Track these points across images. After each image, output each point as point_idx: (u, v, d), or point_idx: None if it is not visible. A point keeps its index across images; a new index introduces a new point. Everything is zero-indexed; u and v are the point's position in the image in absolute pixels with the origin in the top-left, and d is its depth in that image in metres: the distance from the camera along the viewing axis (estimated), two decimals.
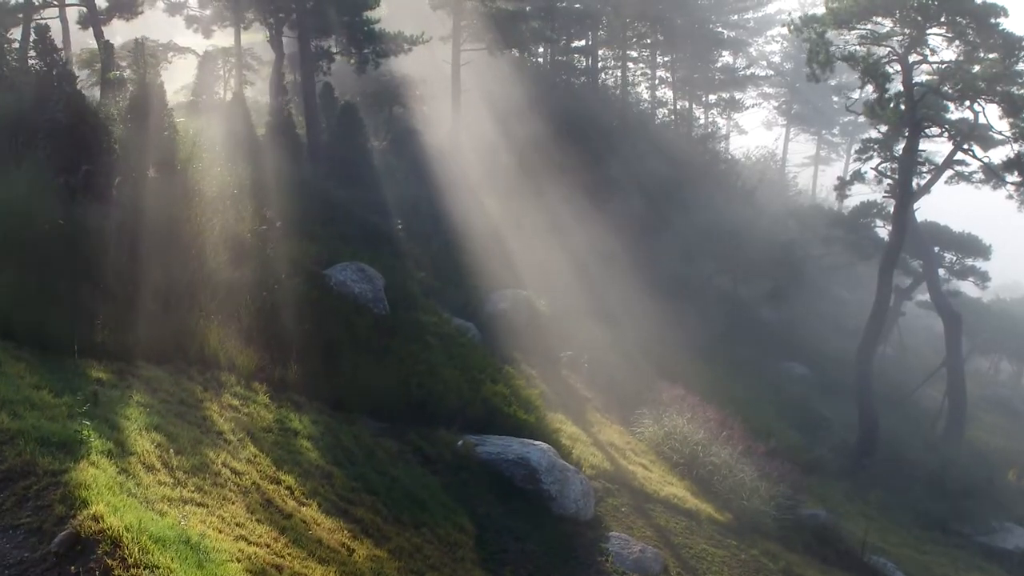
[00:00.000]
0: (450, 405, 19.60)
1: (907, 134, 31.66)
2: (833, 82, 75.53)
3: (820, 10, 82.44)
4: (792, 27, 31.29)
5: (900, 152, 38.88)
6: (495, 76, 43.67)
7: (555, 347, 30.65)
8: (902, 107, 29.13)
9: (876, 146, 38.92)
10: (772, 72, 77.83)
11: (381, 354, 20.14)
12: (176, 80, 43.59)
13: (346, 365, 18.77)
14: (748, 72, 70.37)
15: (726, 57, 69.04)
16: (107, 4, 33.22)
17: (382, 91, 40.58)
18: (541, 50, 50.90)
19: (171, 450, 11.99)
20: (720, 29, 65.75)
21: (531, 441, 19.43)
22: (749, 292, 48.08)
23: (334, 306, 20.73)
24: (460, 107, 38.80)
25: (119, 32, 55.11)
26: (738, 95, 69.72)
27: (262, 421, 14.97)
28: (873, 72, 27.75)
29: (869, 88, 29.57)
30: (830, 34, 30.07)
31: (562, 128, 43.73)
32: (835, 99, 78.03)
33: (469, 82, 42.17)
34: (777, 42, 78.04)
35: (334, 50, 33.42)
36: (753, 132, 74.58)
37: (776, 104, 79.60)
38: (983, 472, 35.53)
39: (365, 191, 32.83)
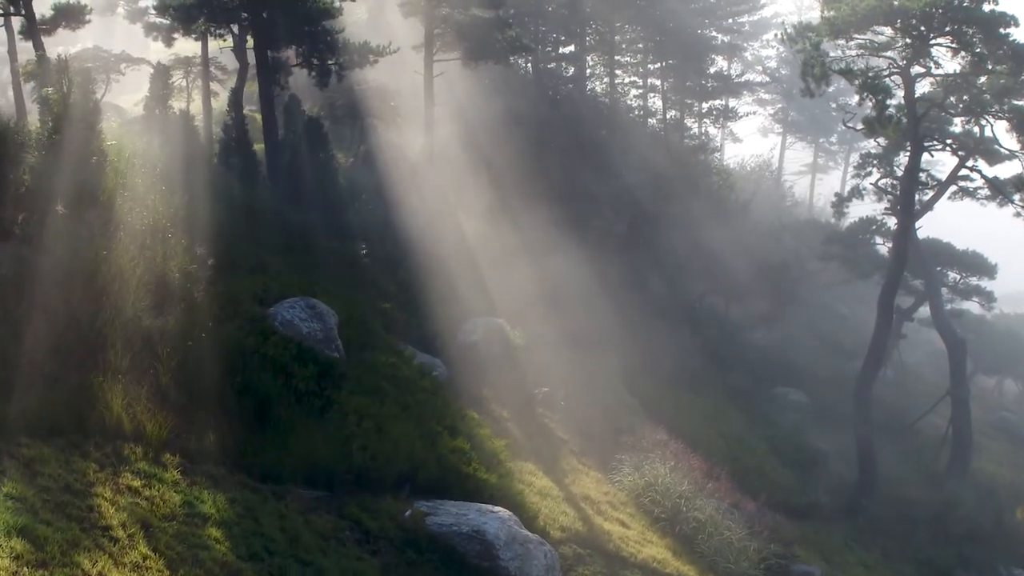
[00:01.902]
0: (399, 468, 17.67)
1: (909, 152, 29.85)
2: (831, 88, 73.90)
3: (814, 12, 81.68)
4: (786, 37, 29.46)
5: (901, 170, 37.15)
6: (472, 87, 41.78)
7: (530, 382, 28.79)
8: (903, 122, 27.22)
9: (875, 161, 37.05)
10: (767, 78, 76.12)
11: (323, 409, 18.21)
12: (137, 93, 41.75)
13: (279, 426, 16.85)
14: (743, 78, 68.46)
15: (720, 63, 67.20)
16: (52, 13, 31.17)
17: (352, 104, 38.65)
18: (523, 59, 48.91)
19: (31, 563, 10.06)
20: (714, 33, 63.94)
21: (490, 508, 17.55)
22: (741, 313, 46.25)
23: (273, 354, 18.76)
24: (434, 121, 36.86)
25: (83, 40, 53.23)
26: (732, 102, 67.99)
27: (165, 507, 13.05)
28: (873, 87, 25.90)
29: (868, 102, 27.65)
30: (826, 45, 28.17)
31: (544, 143, 41.92)
32: (833, 106, 76.27)
33: (445, 94, 40.27)
34: (773, 47, 76.51)
35: (295, 61, 31.29)
36: (748, 139, 73.11)
37: (772, 111, 77.91)
38: (990, 511, 33.72)
39: (328, 214, 30.89)
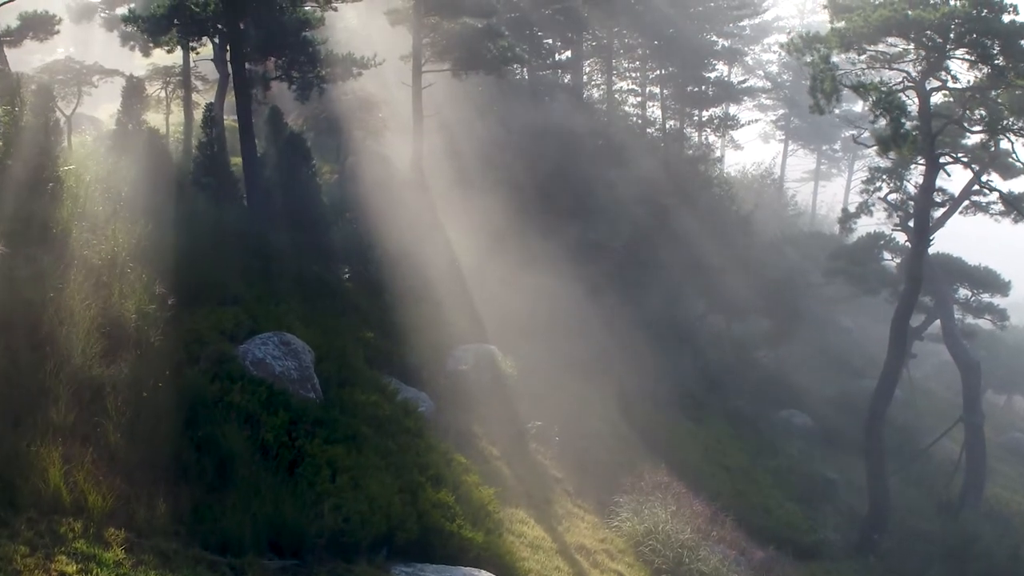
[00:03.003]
0: (376, 529, 16.22)
1: (923, 168, 28.48)
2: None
3: (817, 16, 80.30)
4: (792, 48, 28.06)
5: (912, 184, 35.83)
6: (464, 98, 40.39)
7: (522, 415, 27.36)
8: (919, 140, 25.80)
9: (884, 176, 35.65)
10: (769, 84, 74.78)
11: (294, 463, 16.76)
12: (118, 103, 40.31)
13: (243, 485, 15.39)
14: (744, 84, 66.99)
15: (720, 68, 65.79)
16: (18, 23, 29.84)
17: (337, 116, 37.25)
18: (517, 69, 47.46)
19: None
20: (714, 38, 62.54)
21: (473, 572, 16.13)
22: (744, 331, 44.84)
23: (239, 402, 17.31)
24: (422, 134, 35.43)
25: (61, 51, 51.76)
26: (733, 109, 66.53)
27: None
28: (888, 104, 24.48)
29: (882, 119, 26.16)
30: (835, 57, 26.76)
31: (539, 155, 40.51)
32: (836, 112, 74.91)
33: (435, 106, 38.83)
34: (774, 52, 75.19)
35: (276, 73, 29.90)
36: (749, 144, 71.46)
37: (774, 118, 76.55)
38: (1006, 544, 32.31)
39: (309, 235, 29.44)
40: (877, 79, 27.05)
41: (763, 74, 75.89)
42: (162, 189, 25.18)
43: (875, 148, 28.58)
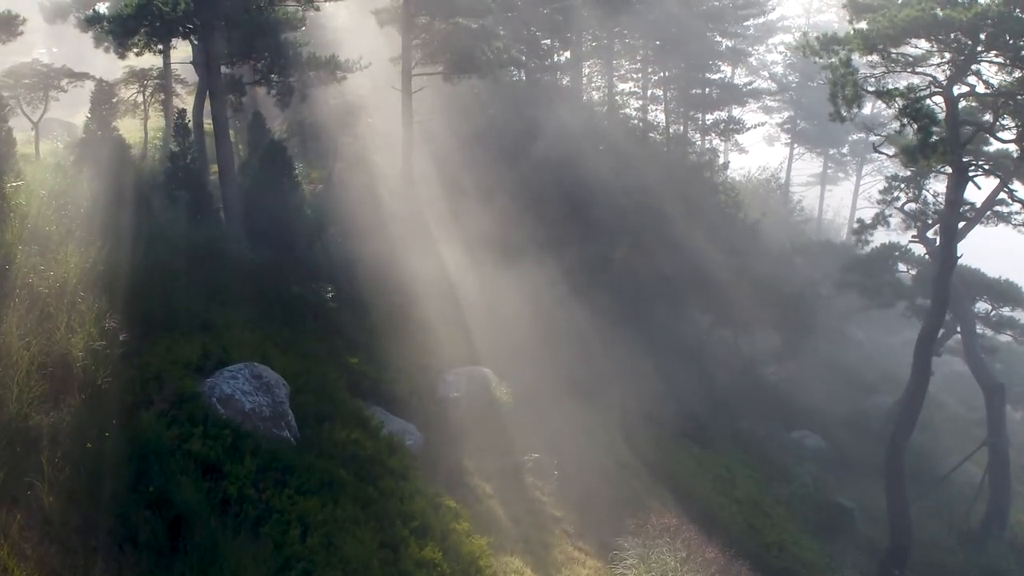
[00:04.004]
0: None
1: (950, 181, 26.80)
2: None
3: (824, 15, 78.51)
4: (808, 50, 26.32)
5: (931, 193, 34.15)
6: (457, 102, 38.63)
7: (519, 445, 25.64)
8: (948, 150, 24.05)
9: (902, 184, 33.93)
10: (774, 85, 73.04)
11: (260, 520, 15.03)
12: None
13: (199, 550, 13.64)
14: (749, 85, 65.19)
15: (724, 69, 64.00)
16: None
17: (323, 121, 35.56)
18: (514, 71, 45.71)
19: None
20: (718, 38, 60.79)
21: None
22: (751, 345, 43.10)
23: (199, 450, 15.59)
24: (413, 141, 33.72)
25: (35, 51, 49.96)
26: (737, 111, 64.81)
27: None
28: (915, 112, 22.76)
29: (895, 122, 24.35)
30: (853, 60, 24.99)
31: (536, 162, 38.80)
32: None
33: (426, 110, 37.15)
34: (780, 52, 73.48)
35: (254, 77, 28.18)
36: (754, 148, 69.18)
37: (779, 120, 74.77)
38: None
39: (291, 250, 27.77)
40: (901, 84, 25.22)
41: (768, 75, 74.10)
42: (129, 204, 23.51)
43: (898, 158, 26.81)
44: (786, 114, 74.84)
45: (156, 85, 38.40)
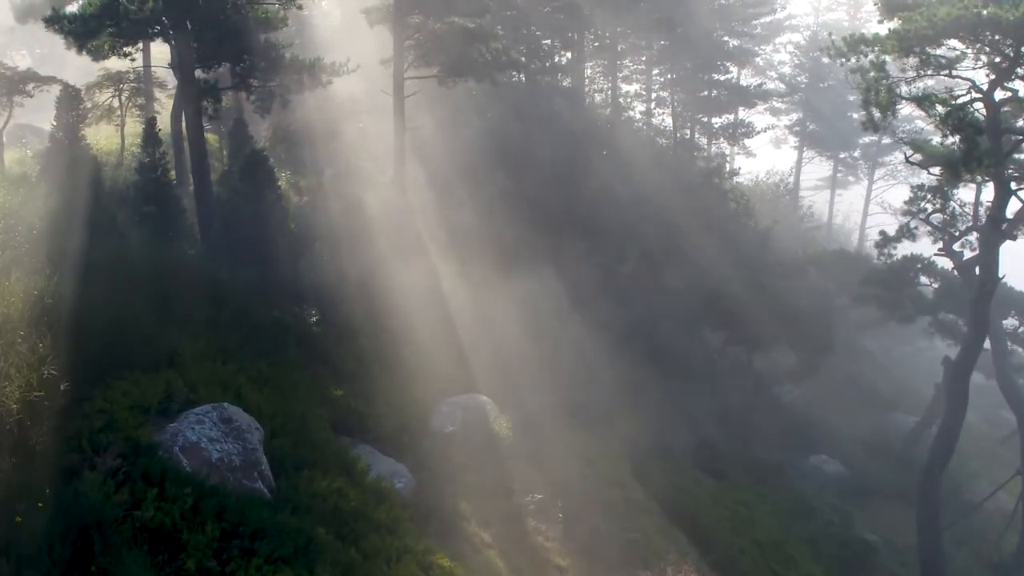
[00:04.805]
0: None
1: (995, 195, 24.84)
2: (852, 97, 68.78)
3: (834, 13, 76.53)
4: (834, 51, 24.34)
5: (958, 204, 32.22)
6: (453, 105, 36.69)
7: (520, 483, 23.70)
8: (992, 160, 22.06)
9: (928, 195, 31.98)
10: (782, 85, 71.06)
11: None
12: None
13: None
14: (758, 87, 63.05)
15: (731, 70, 61.86)
16: None
17: (309, 127, 33.61)
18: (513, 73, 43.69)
19: None
20: (725, 38, 58.77)
21: None
22: (765, 363, 41.08)
23: (152, 517, 13.58)
24: (405, 148, 31.78)
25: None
26: (745, 113, 62.81)
27: None
28: (959, 122, 20.81)
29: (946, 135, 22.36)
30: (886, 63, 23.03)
31: (537, 169, 36.87)
32: (855, 116, 71.24)
33: (421, 113, 35.19)
34: (789, 52, 71.54)
35: (233, 81, 26.25)
36: (761, 150, 66.98)
37: (788, 123, 72.81)
38: None
39: (273, 269, 25.77)
40: (935, 87, 23.30)
41: (776, 76, 72.12)
42: (91, 223, 21.53)
43: (943, 175, 24.86)
44: (795, 116, 72.92)
45: (133, 89, 36.39)
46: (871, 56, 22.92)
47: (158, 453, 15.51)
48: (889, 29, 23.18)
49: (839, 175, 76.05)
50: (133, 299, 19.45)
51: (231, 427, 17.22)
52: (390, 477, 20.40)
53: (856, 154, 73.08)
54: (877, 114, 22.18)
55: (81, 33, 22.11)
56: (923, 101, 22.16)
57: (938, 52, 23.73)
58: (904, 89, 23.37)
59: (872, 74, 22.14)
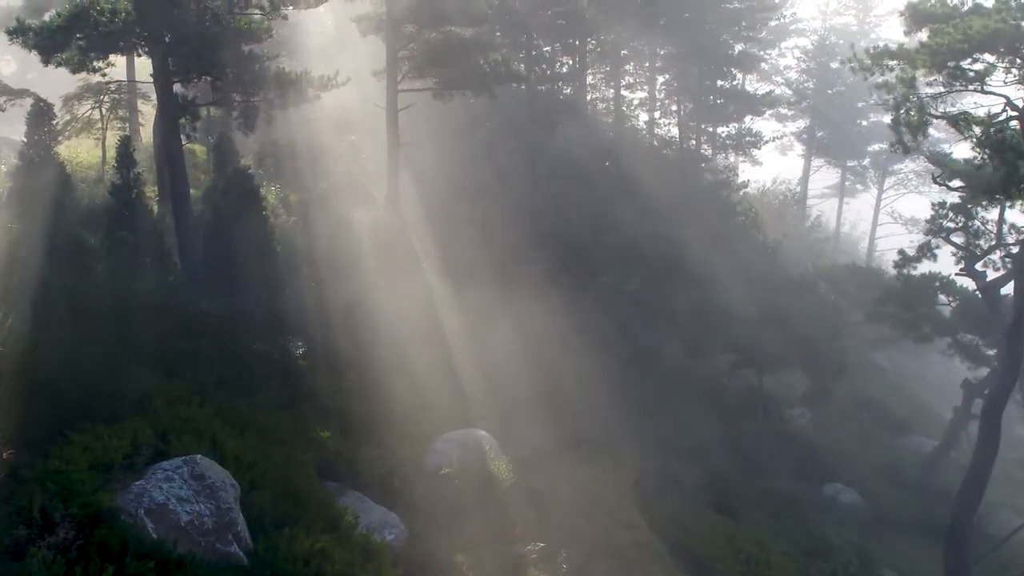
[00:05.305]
0: None
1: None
2: (861, 104, 67.47)
3: (842, 18, 75.07)
4: (857, 66, 22.90)
5: (981, 222, 30.82)
6: (449, 118, 35.22)
7: (521, 530, 22.25)
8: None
9: (950, 213, 30.57)
10: (789, 91, 69.59)
11: None
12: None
13: None
14: (767, 94, 61.39)
15: (737, 76, 60.28)
16: None
17: (301, 141, 32.17)
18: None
19: None
20: (731, 42, 57.23)
21: None
22: (776, 385, 39.64)
23: None
24: (399, 164, 30.34)
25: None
26: (751, 122, 61.21)
27: None
28: (999, 142, 19.39)
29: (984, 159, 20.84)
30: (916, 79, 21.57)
31: (536, 185, 35.48)
32: (863, 123, 69.96)
33: (415, 126, 33.73)
34: (796, 57, 70.24)
35: (214, 96, 24.80)
36: (767, 158, 65.33)
37: (795, 130, 71.35)
38: None
39: (256, 297, 24.32)
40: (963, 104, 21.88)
41: (783, 81, 70.74)
42: (53, 252, 20.10)
43: (980, 198, 23.42)
44: (802, 123, 71.49)
45: (115, 100, 35.01)
46: (897, 71, 21.53)
47: (119, 519, 14.00)
48: (920, 43, 21.75)
49: (847, 183, 74.61)
50: (98, 338, 17.99)
51: (203, 484, 15.73)
52: (380, 528, 18.98)
53: (865, 162, 71.63)
54: (908, 137, 20.77)
55: (47, 47, 20.67)
56: (958, 120, 20.73)
57: (965, 65, 22.32)
58: (935, 107, 21.92)
59: (902, 91, 20.75)
